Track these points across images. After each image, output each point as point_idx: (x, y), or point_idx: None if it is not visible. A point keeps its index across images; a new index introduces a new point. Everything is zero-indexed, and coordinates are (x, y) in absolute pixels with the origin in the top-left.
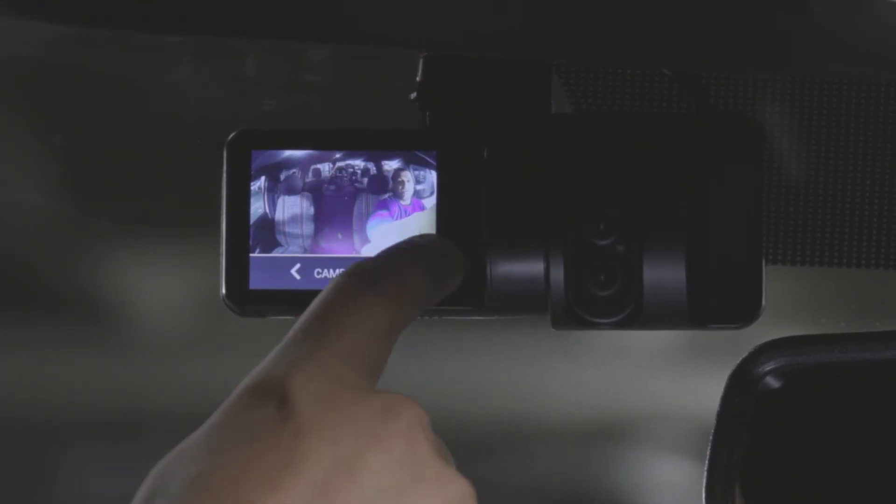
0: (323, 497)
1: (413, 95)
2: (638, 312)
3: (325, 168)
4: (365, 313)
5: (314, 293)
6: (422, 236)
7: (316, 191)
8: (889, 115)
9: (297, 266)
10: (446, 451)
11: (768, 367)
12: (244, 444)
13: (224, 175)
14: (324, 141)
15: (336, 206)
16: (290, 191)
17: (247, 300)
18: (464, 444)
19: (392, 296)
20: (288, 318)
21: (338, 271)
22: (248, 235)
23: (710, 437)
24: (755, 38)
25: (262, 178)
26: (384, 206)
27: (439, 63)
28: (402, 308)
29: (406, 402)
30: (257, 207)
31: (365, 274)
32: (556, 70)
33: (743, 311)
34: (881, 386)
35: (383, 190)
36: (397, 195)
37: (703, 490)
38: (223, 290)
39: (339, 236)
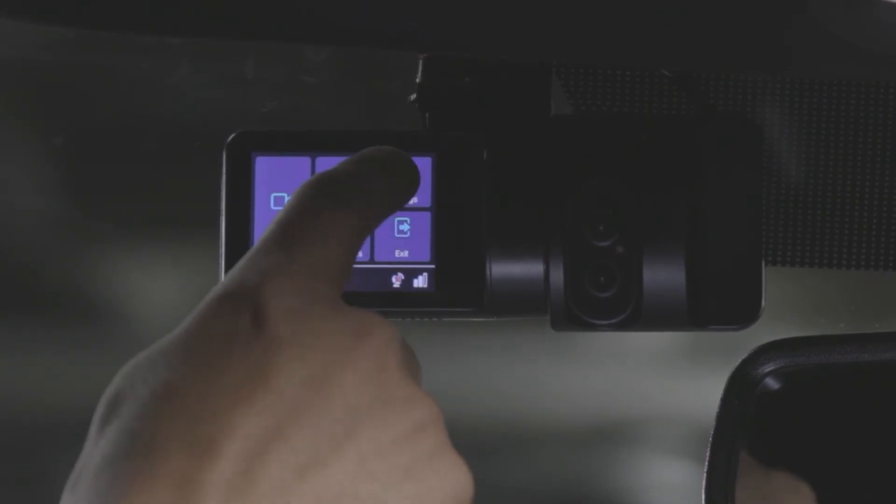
0: (292, 413)
1: (413, 97)
2: (637, 314)
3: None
4: (332, 224)
5: None
6: (379, 148)
7: None
8: (889, 116)
9: None
10: (416, 367)
11: (768, 368)
12: (216, 354)
13: (223, 176)
14: (323, 143)
15: None
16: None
17: None
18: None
19: (357, 207)
20: None
21: None
22: (248, 236)
23: (710, 439)
24: (755, 39)
25: (265, 178)
26: None
27: (439, 64)
28: (366, 218)
29: (377, 321)
30: (258, 208)
31: (330, 184)
32: (556, 71)
33: (742, 312)
34: (880, 387)
35: None
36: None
37: (703, 491)
38: None
39: None
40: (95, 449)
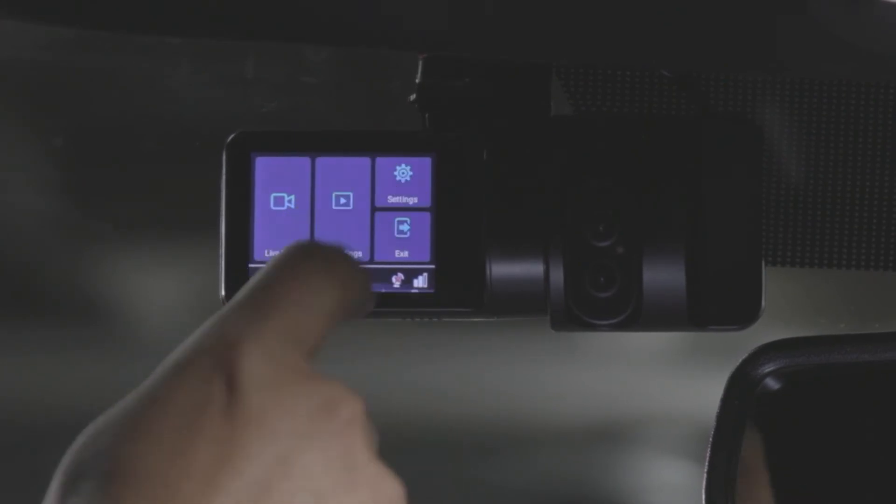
0: (259, 497)
1: (412, 97)
2: (637, 314)
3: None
4: (314, 291)
5: None
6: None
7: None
8: (889, 116)
9: None
10: (375, 436)
11: (768, 368)
12: (184, 430)
13: (223, 177)
14: (323, 143)
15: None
16: (292, 192)
17: None
18: (463, 446)
19: (342, 280)
20: None
21: None
22: (248, 236)
23: (710, 439)
24: (755, 39)
25: (264, 178)
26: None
27: (439, 65)
28: (349, 295)
29: (345, 397)
30: (258, 208)
31: (318, 251)
32: (556, 72)
33: (742, 312)
34: (880, 387)
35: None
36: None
37: (703, 492)
38: (222, 292)
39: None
40: None
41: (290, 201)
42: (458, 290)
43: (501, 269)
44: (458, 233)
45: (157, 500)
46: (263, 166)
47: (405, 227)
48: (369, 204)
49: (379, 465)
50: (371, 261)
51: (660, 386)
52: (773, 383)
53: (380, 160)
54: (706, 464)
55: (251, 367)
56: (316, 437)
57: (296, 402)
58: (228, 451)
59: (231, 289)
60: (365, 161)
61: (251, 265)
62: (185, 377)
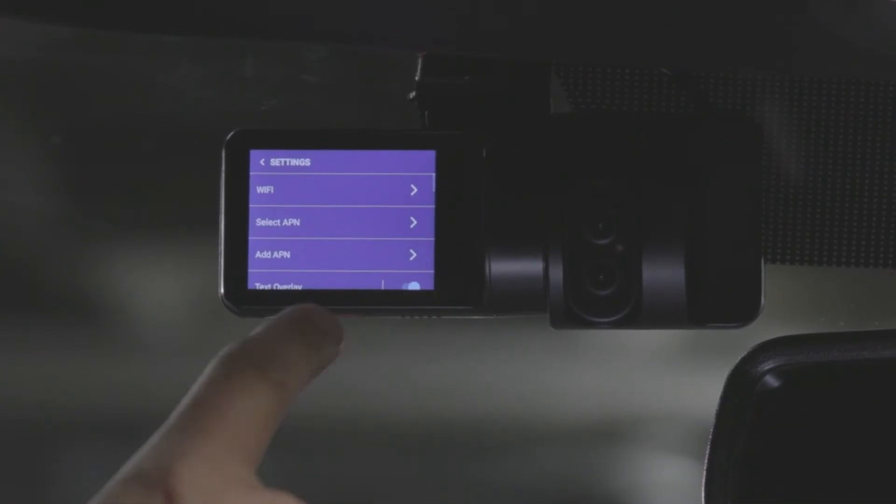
0: None
1: (412, 95)
2: (637, 311)
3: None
4: (250, 400)
5: (313, 293)
6: (301, 308)
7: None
8: (888, 114)
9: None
10: None
11: (767, 366)
12: None
13: (222, 175)
14: (322, 141)
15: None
16: (292, 191)
17: (245, 300)
18: (462, 445)
19: (277, 380)
20: None
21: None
22: (247, 235)
23: (709, 437)
24: (755, 37)
25: (264, 178)
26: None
27: (438, 63)
28: (286, 392)
29: None
30: (258, 208)
31: (249, 358)
32: (555, 70)
33: (742, 310)
34: (880, 385)
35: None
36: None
37: (703, 489)
38: (222, 290)
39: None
40: None
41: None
42: (458, 288)
43: (501, 267)
44: (458, 231)
45: None
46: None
47: (405, 225)
48: (368, 202)
49: None
50: (371, 259)
51: (659, 384)
52: (772, 381)
53: (379, 158)
54: (705, 461)
55: (192, 480)
56: None
57: None
58: None
59: (230, 286)
60: (364, 159)
61: (250, 262)
62: (126, 495)
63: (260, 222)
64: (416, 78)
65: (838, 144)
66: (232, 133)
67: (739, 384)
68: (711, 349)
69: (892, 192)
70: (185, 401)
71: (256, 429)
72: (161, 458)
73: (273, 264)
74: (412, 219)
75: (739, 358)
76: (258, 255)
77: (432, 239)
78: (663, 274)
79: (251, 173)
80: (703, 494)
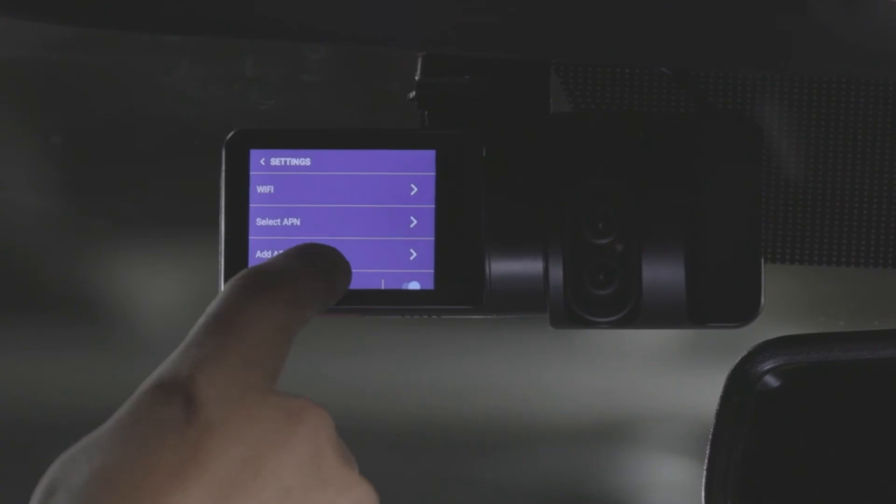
0: (227, 495)
1: (411, 95)
2: (637, 311)
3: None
4: (264, 315)
5: None
6: (310, 245)
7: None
8: (888, 113)
9: None
10: (350, 456)
11: (767, 365)
12: (150, 440)
13: (222, 174)
14: (322, 140)
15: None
16: (292, 191)
17: None
18: (462, 444)
19: (289, 298)
20: None
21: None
22: (246, 233)
23: (710, 437)
24: (754, 37)
25: (264, 178)
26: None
27: (438, 62)
28: (298, 310)
29: (310, 407)
30: (258, 207)
31: (263, 277)
32: (555, 69)
33: (742, 309)
34: (880, 384)
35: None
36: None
37: (703, 489)
38: (221, 289)
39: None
40: None
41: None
42: (458, 288)
43: (501, 267)
44: (458, 230)
45: (128, 500)
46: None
47: (405, 225)
48: (368, 202)
49: (350, 470)
50: (371, 258)
51: (659, 383)
52: (772, 380)
53: (379, 157)
54: (705, 461)
55: (209, 387)
56: (283, 440)
57: (259, 413)
58: (194, 455)
59: None
60: (364, 158)
61: (251, 262)
62: (146, 402)
63: (260, 222)
64: (416, 77)
65: (838, 144)
66: (232, 133)
67: (739, 384)
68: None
69: (892, 192)
70: (203, 319)
71: (271, 346)
72: (180, 368)
73: None
74: (412, 218)
75: (739, 358)
76: (258, 254)
77: (432, 238)
78: (663, 274)
79: (251, 173)
80: (703, 494)
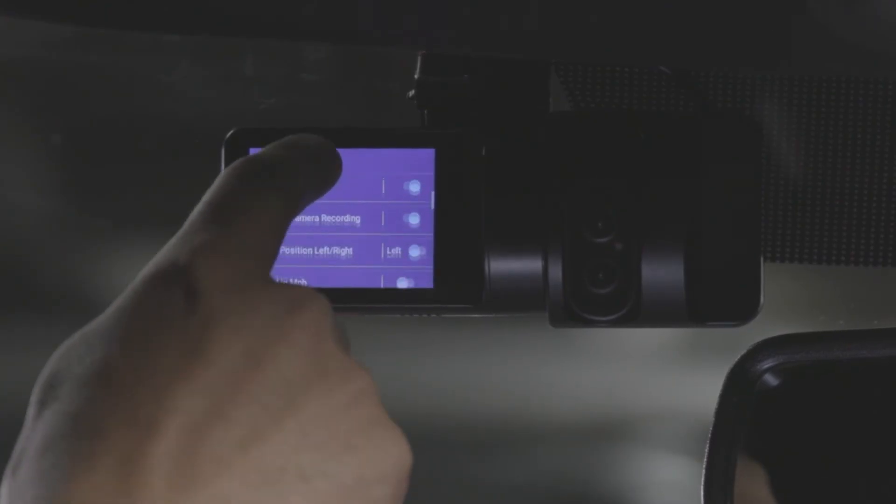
0: (231, 386)
1: (411, 94)
2: (636, 310)
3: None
4: (261, 203)
5: None
6: (303, 136)
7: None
8: (888, 112)
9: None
10: (347, 341)
11: (766, 364)
12: (152, 330)
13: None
14: None
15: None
16: None
17: None
18: (461, 444)
19: (285, 187)
20: None
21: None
22: None
23: (709, 435)
24: (754, 36)
25: None
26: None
27: (437, 61)
28: (293, 199)
29: (310, 294)
30: None
31: (258, 165)
32: (555, 68)
33: (741, 308)
34: (879, 383)
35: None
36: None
37: (702, 488)
38: None
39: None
40: (34, 433)
41: None
42: (458, 287)
43: (500, 266)
44: (458, 229)
45: (132, 392)
46: None
47: (404, 224)
48: (368, 201)
49: (348, 356)
50: (370, 257)
51: (658, 382)
52: (771, 379)
53: (378, 156)
54: (705, 460)
55: (209, 275)
56: (284, 329)
57: (259, 302)
58: (196, 346)
59: None
60: (363, 157)
61: None
62: (146, 291)
63: None
64: (416, 76)
65: (838, 143)
66: (231, 131)
67: (739, 383)
68: (710, 348)
69: (892, 191)
70: (199, 206)
71: (267, 231)
72: (179, 255)
73: None
74: (411, 217)
75: (739, 356)
76: None
77: (432, 237)
78: (662, 272)
79: None
80: (702, 494)
